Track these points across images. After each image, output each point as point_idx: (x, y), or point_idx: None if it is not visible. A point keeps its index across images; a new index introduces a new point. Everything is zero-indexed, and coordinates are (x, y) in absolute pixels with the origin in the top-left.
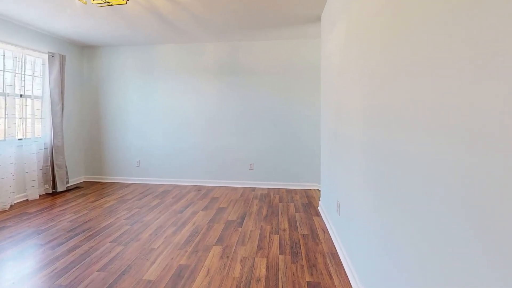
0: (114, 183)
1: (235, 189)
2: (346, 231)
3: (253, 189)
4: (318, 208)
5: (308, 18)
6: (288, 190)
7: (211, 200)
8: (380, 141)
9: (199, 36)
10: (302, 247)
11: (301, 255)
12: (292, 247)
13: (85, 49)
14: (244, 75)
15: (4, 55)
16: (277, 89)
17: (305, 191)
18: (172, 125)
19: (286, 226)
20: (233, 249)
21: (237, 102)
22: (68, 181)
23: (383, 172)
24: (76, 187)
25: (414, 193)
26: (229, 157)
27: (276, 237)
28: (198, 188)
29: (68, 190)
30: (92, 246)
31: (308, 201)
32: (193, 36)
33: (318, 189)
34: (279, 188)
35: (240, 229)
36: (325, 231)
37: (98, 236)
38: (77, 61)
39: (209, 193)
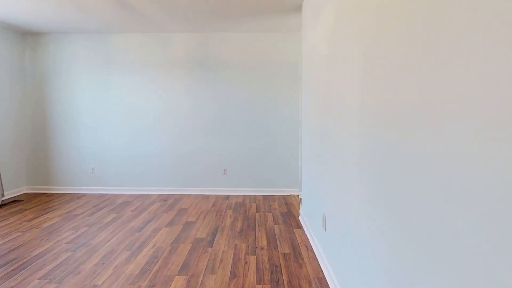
0: (64, 194)
1: (206, 197)
2: (335, 251)
3: (227, 197)
4: (299, 218)
5: (288, 7)
6: (265, 197)
7: (178, 212)
8: (393, 147)
9: (166, 24)
10: (283, 271)
11: (283, 283)
12: (272, 272)
13: (28, 36)
14: (217, 70)
15: None
16: (254, 86)
17: (284, 197)
18: (135, 126)
19: (264, 243)
20: (200, 279)
21: (209, 100)
22: (3, 194)
23: (398, 187)
24: (14, 201)
25: (454, 224)
26: (201, 162)
27: (253, 259)
28: (165, 198)
29: (2, 205)
30: (12, 287)
31: (288, 210)
32: (159, 25)
33: (297, 195)
34: (255, 195)
35: (210, 249)
36: (308, 248)
37: (25, 270)
38: (16, 50)
39: (176, 203)
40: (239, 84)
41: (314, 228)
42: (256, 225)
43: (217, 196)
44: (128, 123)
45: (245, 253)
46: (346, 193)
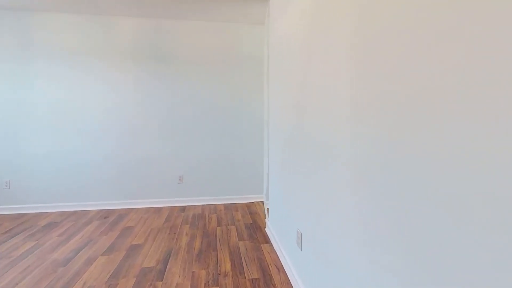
0: None
1: (158, 210)
2: (315, 278)
3: (183, 208)
4: (266, 230)
5: None
6: (227, 206)
7: (122, 232)
8: (413, 151)
9: (108, 5)
10: None
11: None
12: None
13: None
14: (173, 63)
15: None
16: (215, 82)
17: (247, 205)
18: (66, 128)
19: (228, 267)
20: None
21: (163, 97)
22: None
23: (419, 208)
24: None
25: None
26: (152, 169)
27: None
28: (106, 214)
29: None
30: None
31: (253, 220)
32: (99, 5)
33: (262, 202)
34: (215, 204)
35: (160, 284)
36: (279, 269)
37: None
38: None
39: (120, 220)
40: (198, 79)
41: (286, 245)
42: (218, 243)
43: (172, 208)
44: (57, 125)
45: (205, 283)
46: (331, 209)
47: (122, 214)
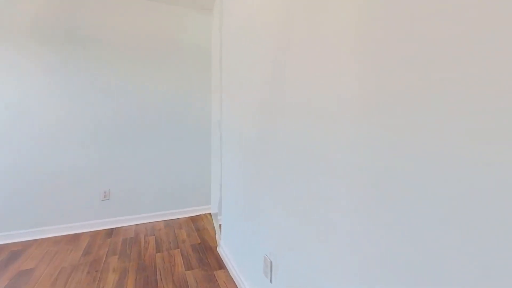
0: None
1: (75, 239)
2: None
3: (110, 232)
4: (218, 250)
5: None
6: (168, 223)
7: (14, 280)
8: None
9: None
10: None
11: None
12: None
13: None
14: (96, 48)
15: None
16: (151, 75)
17: (193, 220)
18: None
19: None
20: None
21: (83, 91)
22: None
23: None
24: None
25: None
26: (66, 185)
27: None
28: None
29: None
30: None
31: (201, 239)
32: None
33: (209, 213)
34: (153, 222)
35: None
36: None
37: None
38: None
39: (13, 261)
40: (130, 70)
41: (248, 273)
42: (159, 278)
43: (94, 234)
44: None
45: None
46: (322, 236)
47: (17, 251)
